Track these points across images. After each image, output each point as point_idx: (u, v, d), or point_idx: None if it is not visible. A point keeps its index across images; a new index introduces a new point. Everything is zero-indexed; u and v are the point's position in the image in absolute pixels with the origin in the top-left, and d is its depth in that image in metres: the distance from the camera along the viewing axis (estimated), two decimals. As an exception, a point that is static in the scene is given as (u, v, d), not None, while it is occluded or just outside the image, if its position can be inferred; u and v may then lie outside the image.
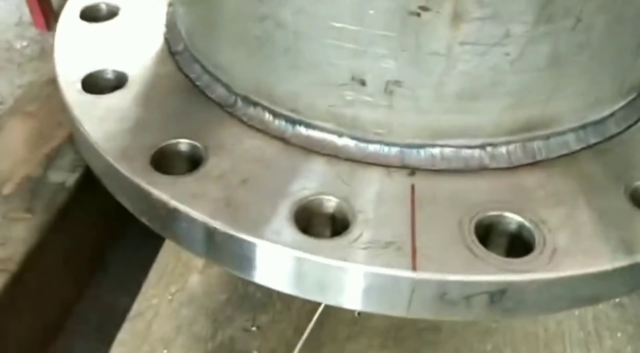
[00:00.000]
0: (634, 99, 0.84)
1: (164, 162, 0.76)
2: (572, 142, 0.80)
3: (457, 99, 0.72)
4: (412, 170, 0.76)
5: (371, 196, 0.73)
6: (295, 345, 1.87)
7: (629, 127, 0.83)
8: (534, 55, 0.69)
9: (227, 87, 0.84)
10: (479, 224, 0.69)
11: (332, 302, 0.70)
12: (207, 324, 1.94)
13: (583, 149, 0.80)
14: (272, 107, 0.80)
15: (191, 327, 1.92)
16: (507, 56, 0.68)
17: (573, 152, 0.79)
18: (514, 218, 0.70)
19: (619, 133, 0.82)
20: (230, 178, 0.73)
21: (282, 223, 0.69)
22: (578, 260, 0.66)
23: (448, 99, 0.72)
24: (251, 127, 0.81)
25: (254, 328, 1.93)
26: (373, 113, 0.75)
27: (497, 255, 0.66)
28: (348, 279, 0.67)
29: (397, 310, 0.68)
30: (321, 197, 0.72)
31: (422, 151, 0.77)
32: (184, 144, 0.78)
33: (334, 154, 0.78)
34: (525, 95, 0.73)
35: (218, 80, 0.85)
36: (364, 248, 0.67)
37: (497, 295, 0.65)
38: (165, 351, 1.90)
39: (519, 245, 0.69)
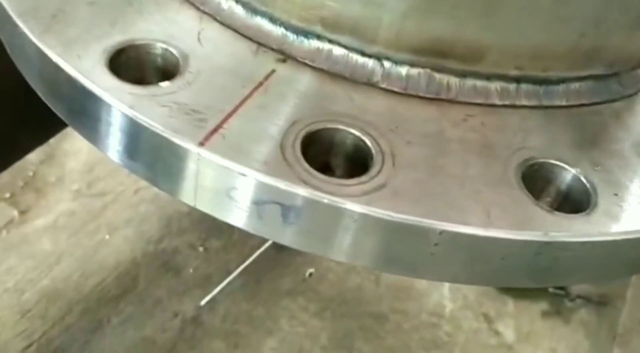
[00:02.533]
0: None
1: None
2: None
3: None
4: (285, 58, 0.62)
5: (217, 61, 0.60)
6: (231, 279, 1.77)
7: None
8: None
9: None
10: (309, 134, 0.55)
11: (116, 159, 0.58)
12: (158, 228, 1.87)
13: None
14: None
15: (142, 224, 1.86)
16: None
17: None
18: (354, 134, 0.57)
19: None
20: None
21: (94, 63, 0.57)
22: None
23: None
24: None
25: (200, 249, 1.85)
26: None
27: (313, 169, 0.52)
28: (142, 136, 0.55)
29: (185, 195, 0.56)
30: (152, 43, 0.60)
31: (307, 41, 0.63)
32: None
33: (211, 13, 0.65)
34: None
35: None
36: (164, 106, 0.54)
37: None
38: (107, 236, 1.85)
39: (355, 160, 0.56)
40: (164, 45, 0.60)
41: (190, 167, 0.53)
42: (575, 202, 0.58)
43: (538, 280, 0.57)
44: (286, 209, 0.52)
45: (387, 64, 0.62)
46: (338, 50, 0.62)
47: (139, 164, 0.57)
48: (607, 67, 0.66)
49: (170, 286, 1.74)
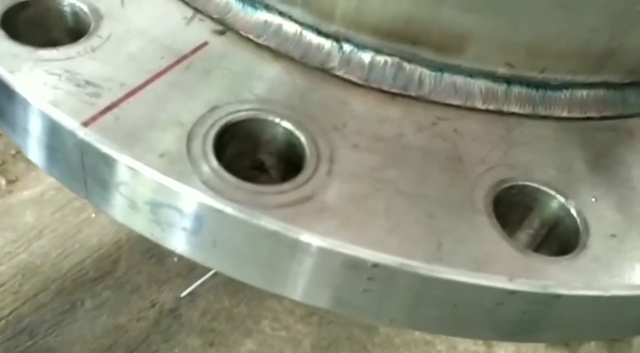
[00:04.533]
0: None
1: None
2: None
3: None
4: (224, 29, 0.51)
5: (137, 25, 0.49)
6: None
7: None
8: None
9: None
10: (230, 125, 0.44)
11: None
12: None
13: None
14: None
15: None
16: None
17: None
18: (286, 128, 0.45)
19: None
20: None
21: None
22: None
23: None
24: None
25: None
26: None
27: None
28: (20, 108, 0.44)
29: (75, 186, 0.45)
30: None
31: (254, 11, 0.51)
32: None
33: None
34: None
35: None
36: (52, 73, 0.44)
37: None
38: (93, 215, 1.77)
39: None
40: (74, 0, 0.50)
41: (74, 152, 0.42)
42: (559, 240, 0.46)
43: (504, 335, 0.45)
44: (185, 217, 0.41)
45: (347, 47, 0.50)
46: (289, 26, 0.51)
47: (24, 142, 0.47)
48: (624, 74, 0.53)
49: (152, 273, 1.64)
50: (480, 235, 0.42)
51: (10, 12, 0.48)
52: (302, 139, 0.44)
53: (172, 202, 0.41)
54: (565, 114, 0.53)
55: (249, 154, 0.47)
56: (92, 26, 0.48)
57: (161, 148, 0.41)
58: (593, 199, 0.46)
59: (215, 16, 0.52)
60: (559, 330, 0.44)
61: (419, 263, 0.39)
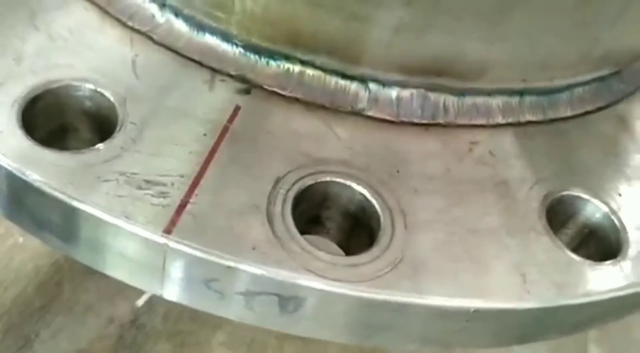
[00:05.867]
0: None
1: None
2: None
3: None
4: (249, 87, 0.50)
5: (163, 100, 0.47)
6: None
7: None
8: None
9: None
10: (298, 195, 0.44)
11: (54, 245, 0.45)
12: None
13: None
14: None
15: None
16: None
17: None
18: (351, 188, 0.46)
19: None
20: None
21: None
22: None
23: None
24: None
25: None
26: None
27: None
28: (86, 227, 0.42)
29: (150, 286, 0.44)
30: (77, 84, 0.46)
31: (273, 63, 0.50)
32: None
33: (144, 31, 0.51)
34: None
35: None
36: (106, 180, 0.41)
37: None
38: (21, 239, 1.66)
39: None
40: (92, 86, 0.46)
41: (157, 260, 0.41)
42: (600, 242, 0.50)
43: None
44: (285, 300, 0.41)
45: (373, 86, 0.51)
46: (313, 74, 0.51)
47: (95, 259, 0.44)
48: (612, 67, 0.58)
49: (100, 289, 1.58)
50: (549, 257, 0.46)
51: (27, 108, 0.44)
52: (369, 195, 0.45)
53: (271, 290, 0.41)
54: (569, 112, 0.57)
55: (311, 211, 0.47)
56: (120, 113, 0.45)
57: (248, 240, 0.41)
58: (619, 196, 0.52)
59: (233, 73, 0.50)
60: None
61: (506, 303, 0.43)
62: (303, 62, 0.50)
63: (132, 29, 0.51)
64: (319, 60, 0.50)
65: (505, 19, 0.47)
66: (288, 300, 0.41)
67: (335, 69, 0.50)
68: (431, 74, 0.50)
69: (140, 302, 1.57)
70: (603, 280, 0.46)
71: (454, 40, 0.48)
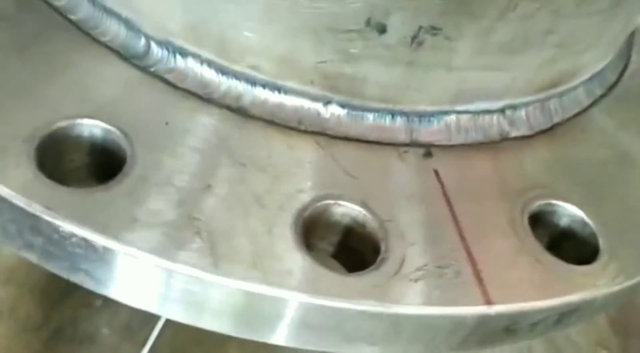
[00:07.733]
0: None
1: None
2: (583, 97, 0.67)
3: (499, 52, 0.54)
4: (427, 149, 0.56)
5: (392, 193, 0.54)
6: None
7: (621, 73, 0.72)
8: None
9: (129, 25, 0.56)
10: (530, 220, 0.55)
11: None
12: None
13: (592, 104, 0.68)
14: (219, 61, 0.54)
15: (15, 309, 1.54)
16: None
17: (585, 109, 0.67)
18: (566, 210, 0.56)
19: (616, 82, 0.71)
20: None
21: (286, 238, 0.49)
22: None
23: (490, 51, 0.54)
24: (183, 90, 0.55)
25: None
26: (386, 71, 0.53)
27: (564, 261, 0.53)
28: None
29: (440, 349, 0.51)
30: (327, 202, 0.52)
31: (434, 120, 0.57)
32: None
33: (319, 131, 0.56)
34: (572, 44, 0.58)
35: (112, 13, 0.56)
36: (416, 280, 0.48)
37: (568, 314, 0.52)
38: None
39: (568, 245, 0.56)
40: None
41: (471, 325, 0.48)
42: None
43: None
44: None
45: (509, 112, 0.62)
46: (464, 118, 0.59)
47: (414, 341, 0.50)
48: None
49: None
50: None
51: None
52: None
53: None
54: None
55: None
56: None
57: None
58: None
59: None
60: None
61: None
62: (459, 112, 0.59)
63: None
64: (475, 107, 0.59)
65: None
66: (565, 314, 0.50)
67: (482, 110, 0.60)
68: (548, 88, 0.61)
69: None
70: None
71: (572, 62, 0.60)
